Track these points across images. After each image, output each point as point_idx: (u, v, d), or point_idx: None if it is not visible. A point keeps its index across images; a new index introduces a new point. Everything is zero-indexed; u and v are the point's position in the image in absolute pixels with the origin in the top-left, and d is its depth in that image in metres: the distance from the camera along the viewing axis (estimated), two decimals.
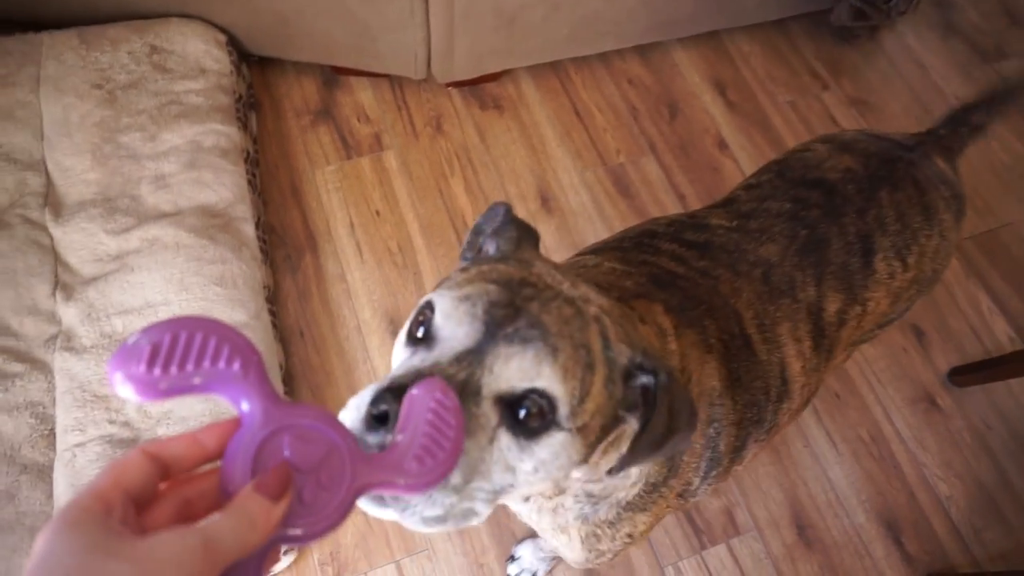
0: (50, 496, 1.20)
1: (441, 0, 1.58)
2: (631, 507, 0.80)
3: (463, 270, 0.65)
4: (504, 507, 0.92)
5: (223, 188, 1.53)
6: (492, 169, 1.80)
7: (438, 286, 0.65)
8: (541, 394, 0.56)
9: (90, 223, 1.44)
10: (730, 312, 0.86)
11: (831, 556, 1.49)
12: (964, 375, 1.65)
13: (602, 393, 0.60)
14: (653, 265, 0.89)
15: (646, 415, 0.62)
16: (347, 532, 1.38)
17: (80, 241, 1.43)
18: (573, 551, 0.86)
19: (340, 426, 0.45)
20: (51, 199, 1.46)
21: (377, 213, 1.70)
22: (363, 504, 0.52)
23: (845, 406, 1.64)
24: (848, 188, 0.96)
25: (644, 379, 0.62)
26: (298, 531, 0.42)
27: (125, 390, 0.42)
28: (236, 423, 0.44)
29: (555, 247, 1.71)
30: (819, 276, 0.91)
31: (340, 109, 1.83)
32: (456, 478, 0.54)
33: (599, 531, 0.82)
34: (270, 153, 1.75)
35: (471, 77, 1.85)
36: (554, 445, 0.58)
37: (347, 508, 0.43)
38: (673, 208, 1.81)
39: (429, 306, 0.61)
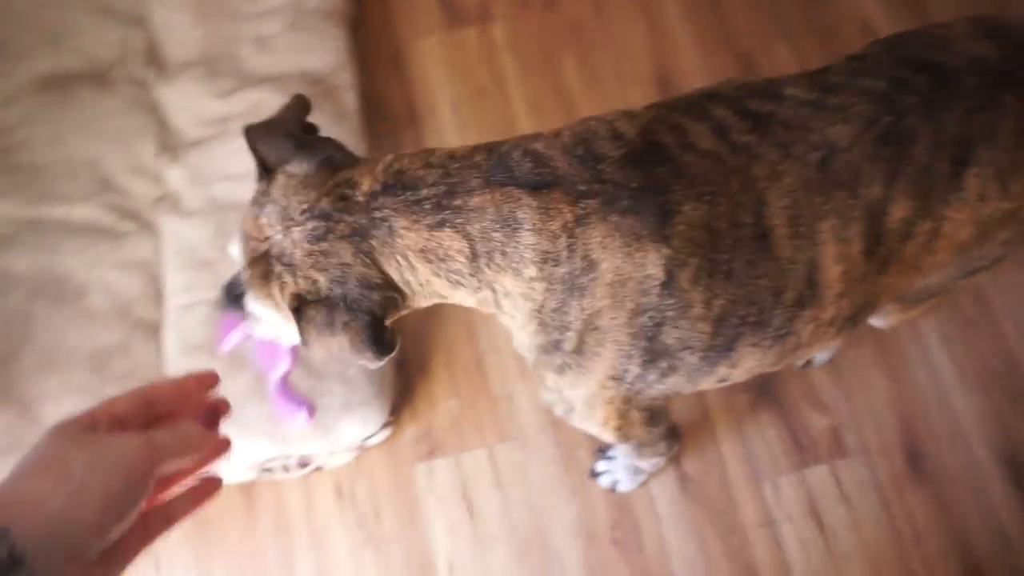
0: (160, 354, 1.23)
1: None
2: (576, 357, 0.81)
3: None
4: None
5: (326, 53, 1.45)
6: (607, 48, 1.64)
7: None
8: None
9: (194, 84, 1.40)
10: (748, 198, 0.75)
11: (943, 489, 1.39)
12: None
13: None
14: (669, 134, 0.78)
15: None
16: (440, 415, 1.38)
17: (184, 103, 1.40)
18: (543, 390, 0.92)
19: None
20: (155, 57, 1.42)
21: (482, 89, 1.60)
22: None
23: (977, 332, 1.49)
24: (967, 80, 0.77)
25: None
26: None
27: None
28: (210, 375, 0.61)
29: None
30: (892, 174, 0.76)
31: None
32: None
33: (549, 376, 0.86)
34: (373, 19, 1.65)
35: None
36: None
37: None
38: None
39: None
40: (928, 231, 0.80)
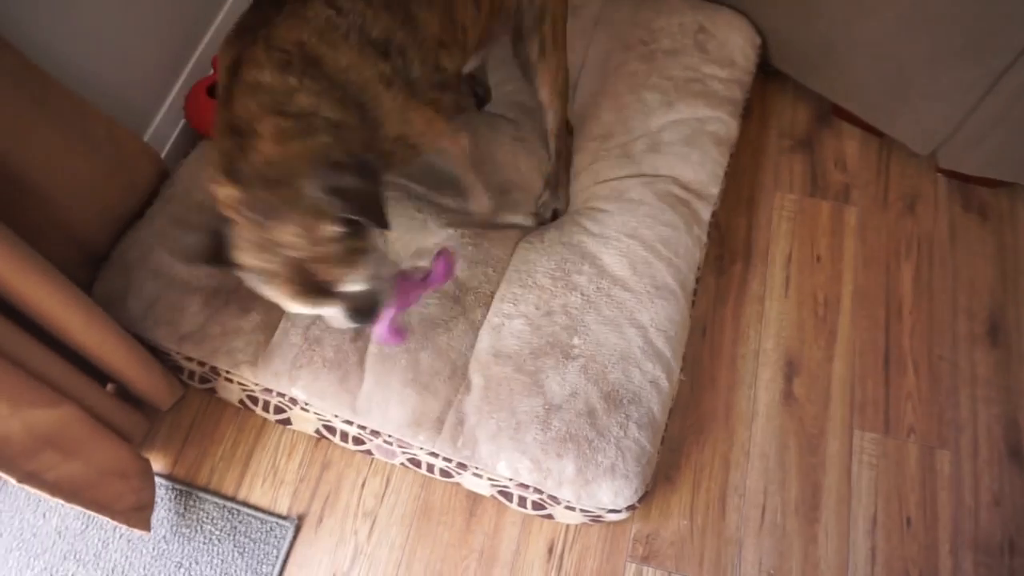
0: (472, 346, 1.37)
1: (1010, 89, 1.48)
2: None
3: None
4: None
5: (703, 171, 1.58)
6: (950, 271, 1.67)
7: None
8: None
9: (587, 155, 1.60)
10: None
11: None
12: None
13: None
14: None
15: None
16: (669, 528, 1.41)
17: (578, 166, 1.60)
18: None
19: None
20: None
21: (818, 259, 1.67)
22: None
23: None
24: None
25: None
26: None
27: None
28: None
29: (984, 381, 1.55)
30: None
31: (822, 148, 1.81)
32: None
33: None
34: (742, 159, 1.79)
35: (975, 175, 1.72)
36: None
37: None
38: None
39: None
40: None
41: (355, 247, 0.97)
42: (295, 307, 1.02)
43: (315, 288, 0.97)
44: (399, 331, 1.17)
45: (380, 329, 1.14)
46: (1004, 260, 1.68)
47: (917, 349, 1.58)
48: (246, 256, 0.96)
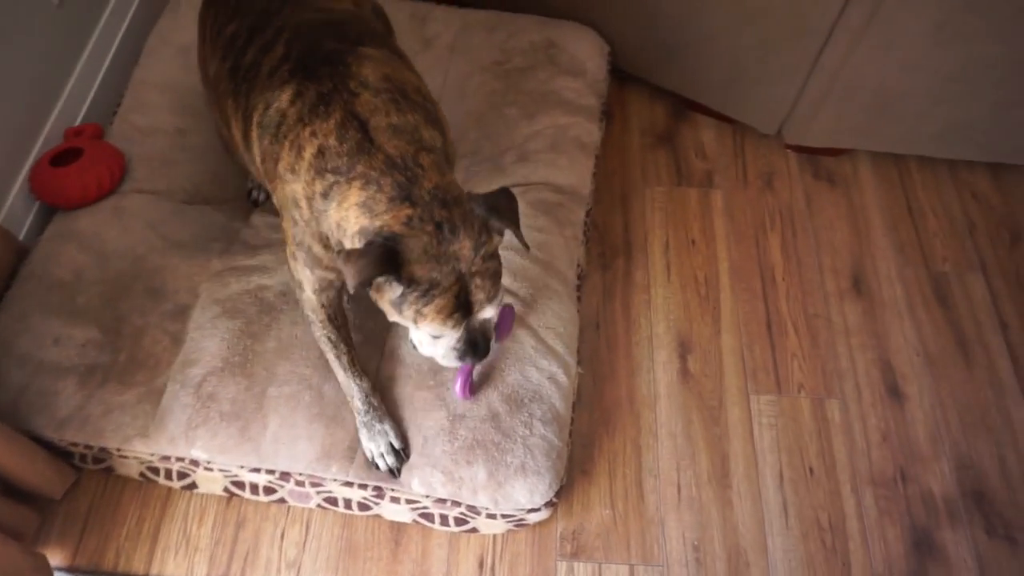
0: (376, 371, 1.37)
1: (829, 65, 1.63)
2: None
3: None
4: None
5: (572, 174, 1.66)
6: (811, 236, 1.80)
7: None
8: None
9: (459, 171, 1.64)
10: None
11: None
12: None
13: None
14: None
15: None
16: (593, 520, 1.43)
17: None
18: None
19: None
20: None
21: (692, 242, 1.77)
22: None
23: None
24: None
25: None
26: None
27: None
28: None
29: (856, 330, 1.67)
30: None
31: (681, 140, 1.93)
32: None
33: None
34: (610, 160, 1.89)
35: (817, 146, 1.87)
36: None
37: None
38: (992, 333, 1.69)
39: None
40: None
41: (500, 268, 1.09)
42: (442, 327, 1.07)
43: (465, 306, 1.06)
44: (473, 387, 1.30)
45: (461, 382, 1.27)
46: (855, 219, 1.83)
47: (794, 311, 1.69)
48: (419, 267, 1.01)
